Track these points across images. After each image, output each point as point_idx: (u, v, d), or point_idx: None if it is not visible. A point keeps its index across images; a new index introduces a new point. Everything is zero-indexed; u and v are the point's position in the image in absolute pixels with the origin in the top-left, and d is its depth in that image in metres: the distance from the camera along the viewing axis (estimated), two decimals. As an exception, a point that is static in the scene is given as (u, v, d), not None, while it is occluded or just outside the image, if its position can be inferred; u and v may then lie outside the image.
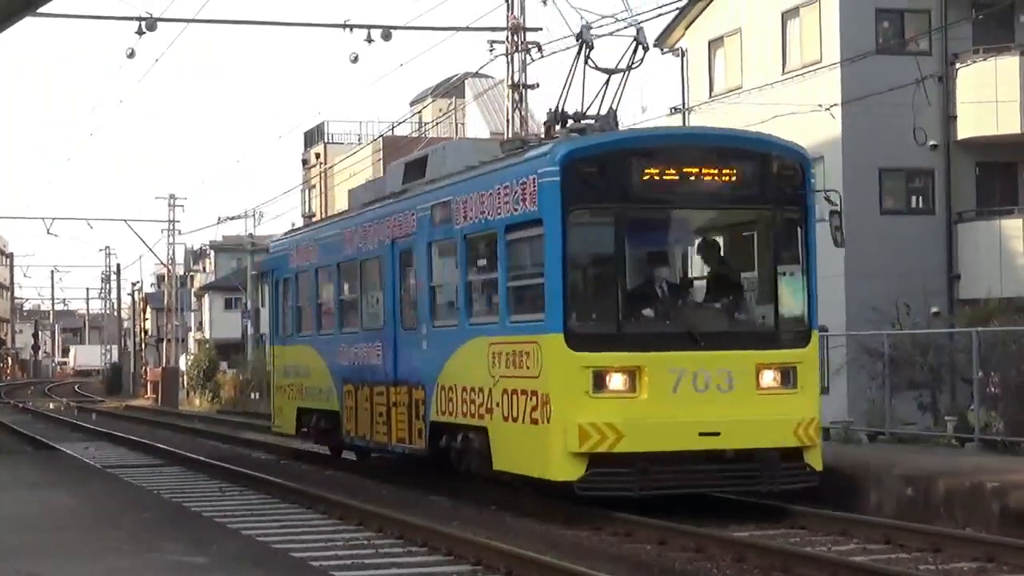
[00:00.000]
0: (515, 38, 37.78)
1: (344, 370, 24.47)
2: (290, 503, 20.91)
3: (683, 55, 42.07)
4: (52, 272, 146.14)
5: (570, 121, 19.57)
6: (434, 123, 65.59)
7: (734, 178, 18.04)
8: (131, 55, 35.24)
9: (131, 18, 33.85)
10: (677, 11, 38.18)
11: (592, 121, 19.32)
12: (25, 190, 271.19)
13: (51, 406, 68.13)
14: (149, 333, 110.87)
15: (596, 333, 17.46)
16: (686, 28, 41.85)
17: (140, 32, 33.62)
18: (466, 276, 19.59)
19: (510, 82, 38.07)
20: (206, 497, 22.25)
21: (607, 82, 19.48)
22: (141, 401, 79.61)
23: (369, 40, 35.07)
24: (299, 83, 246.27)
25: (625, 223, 17.61)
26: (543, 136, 19.87)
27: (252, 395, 66.97)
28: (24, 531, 16.96)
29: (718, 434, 17.20)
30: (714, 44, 41.05)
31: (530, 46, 37.78)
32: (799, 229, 18.18)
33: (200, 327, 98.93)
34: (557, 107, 19.55)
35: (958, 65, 36.07)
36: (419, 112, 71.79)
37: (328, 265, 25.63)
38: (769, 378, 17.64)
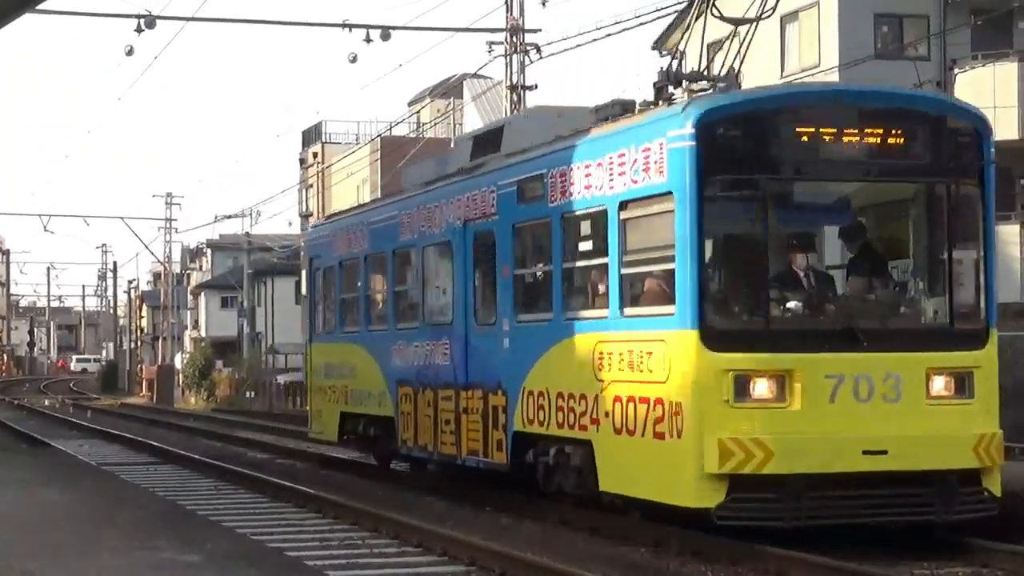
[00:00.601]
0: (514, 39, 37.65)
1: (400, 371, 21.58)
2: (284, 502, 20.57)
3: (682, 58, 41.96)
4: (48, 269, 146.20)
5: (684, 84, 16.59)
6: (432, 124, 65.53)
7: (904, 144, 15.01)
8: (130, 53, 35.08)
9: (130, 16, 33.71)
10: (676, 14, 38.21)
11: (709, 83, 16.50)
12: (22, 187, 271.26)
13: (46, 403, 68.05)
14: (145, 331, 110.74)
15: (738, 329, 14.50)
16: (684, 32, 41.78)
17: (139, 30, 33.45)
18: (562, 262, 16.73)
19: (508, 83, 38.00)
20: (200, 495, 21.86)
21: (733, 34, 17.04)
22: (136, 399, 79.43)
23: (368, 40, 34.89)
24: (298, 82, 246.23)
25: (774, 197, 14.70)
26: (653, 102, 16.78)
27: (247, 394, 66.97)
28: (17, 529, 16.85)
29: (885, 452, 14.27)
30: (712, 47, 40.96)
31: (529, 47, 37.71)
32: (977, 206, 15.26)
33: (196, 325, 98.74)
34: (670, 66, 16.87)
35: (956, 71, 35.82)
36: (417, 112, 71.74)
37: (381, 252, 22.60)
38: (940, 385, 14.69)
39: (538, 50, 37.37)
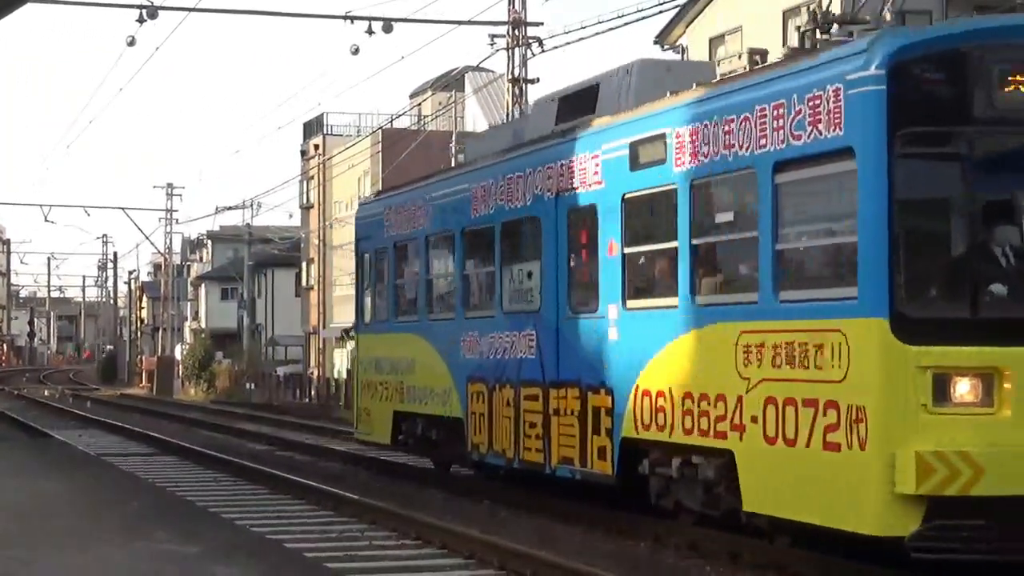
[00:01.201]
0: (516, 32, 37.53)
1: (470, 365, 18.97)
2: (284, 494, 20.46)
3: (684, 53, 42.04)
4: (49, 259, 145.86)
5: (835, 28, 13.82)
6: (433, 116, 65.44)
7: None
8: (131, 43, 34.89)
9: (132, 6, 33.47)
10: (678, 8, 38.18)
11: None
12: (23, 177, 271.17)
13: (46, 393, 68.08)
14: (145, 322, 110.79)
15: (937, 318, 11.86)
16: (687, 25, 41.74)
17: (141, 20, 33.20)
18: (691, 237, 14.00)
19: (510, 76, 37.96)
20: (200, 487, 21.81)
21: None
22: (136, 390, 79.48)
23: (370, 32, 34.62)
24: (299, 74, 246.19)
25: (980, 155, 12.08)
26: (797, 50, 14.15)
27: (247, 385, 66.98)
28: (16, 518, 16.85)
29: None
30: (715, 42, 40.92)
31: (531, 41, 37.63)
32: None
33: (196, 317, 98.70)
34: (819, 5, 14.21)
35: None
36: (419, 105, 71.61)
37: (447, 231, 19.97)
38: None
39: (540, 43, 37.35)
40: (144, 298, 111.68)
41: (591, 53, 74.93)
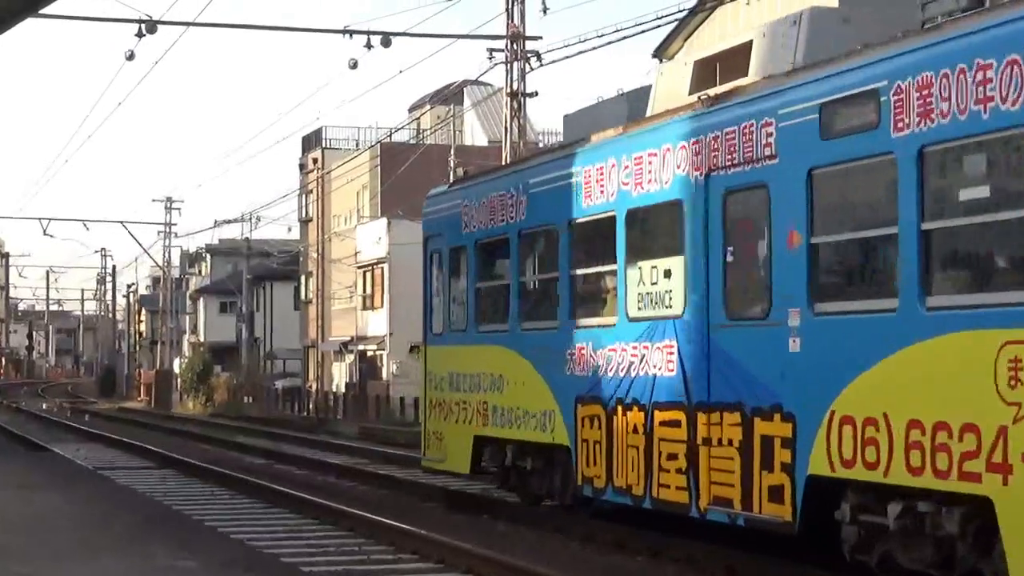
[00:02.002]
0: (514, 46, 37.53)
1: (580, 383, 16.03)
2: (281, 508, 20.28)
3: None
4: (48, 273, 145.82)
5: None
6: (432, 130, 65.51)
7: None
8: (130, 57, 34.84)
9: (131, 20, 33.48)
10: (676, 23, 38.23)
11: None
12: (22, 190, 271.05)
13: (44, 407, 68.04)
14: (143, 335, 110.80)
15: None
16: (685, 40, 41.85)
17: (140, 35, 33.21)
18: (920, 220, 11.15)
19: (509, 90, 38.01)
20: (197, 500, 21.63)
21: None
22: (134, 403, 79.45)
23: (369, 46, 34.63)
24: (298, 88, 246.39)
25: None
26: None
27: (245, 399, 66.97)
28: (14, 532, 16.83)
29: None
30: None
31: (529, 55, 37.70)
32: None
33: (194, 330, 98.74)
34: None
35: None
36: (417, 119, 71.68)
37: (548, 224, 17.04)
38: None
39: (539, 57, 37.26)
40: (143, 311, 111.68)
41: (590, 67, 74.99)
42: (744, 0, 37.30)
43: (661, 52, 41.54)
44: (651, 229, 15.31)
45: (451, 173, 52.56)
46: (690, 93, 14.96)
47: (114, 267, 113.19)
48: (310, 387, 69.71)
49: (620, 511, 16.06)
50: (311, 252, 74.38)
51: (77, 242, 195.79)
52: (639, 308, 15.11)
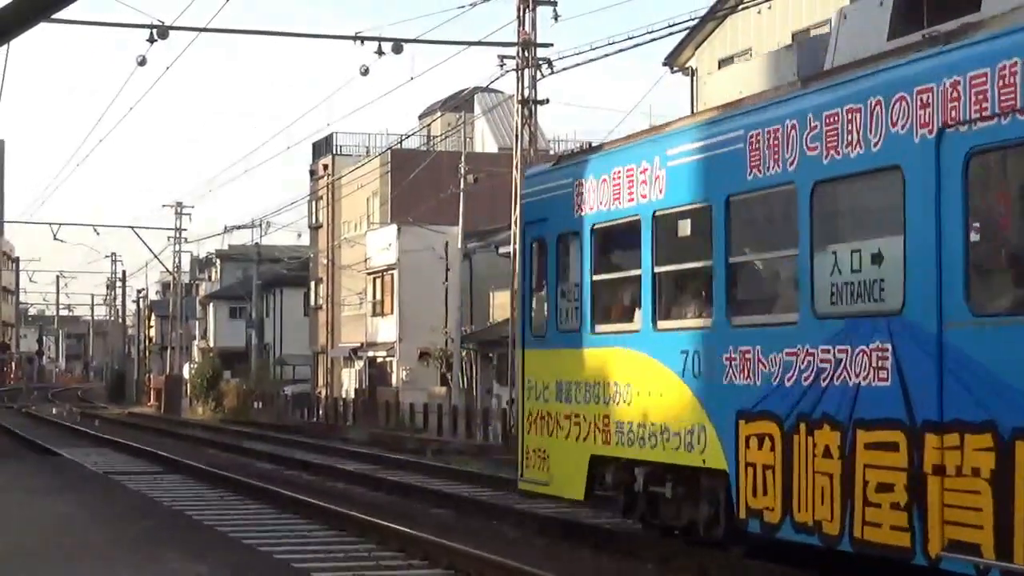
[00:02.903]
0: (526, 54, 37.55)
1: (744, 394, 13.24)
2: (291, 513, 20.21)
3: (693, 74, 42.10)
4: (58, 278, 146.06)
5: None
6: (443, 137, 65.57)
7: None
8: (142, 63, 34.94)
9: (143, 26, 33.53)
10: (687, 31, 38.26)
11: None
12: (33, 195, 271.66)
13: (54, 411, 68.18)
14: (153, 341, 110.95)
15: None
16: (696, 48, 41.84)
17: (152, 40, 33.32)
18: None
19: (520, 97, 38.04)
20: (207, 506, 21.57)
21: None
22: (144, 408, 79.61)
23: (380, 53, 34.69)
24: (309, 94, 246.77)
25: None
26: None
27: (255, 404, 67.05)
28: (24, 536, 16.86)
29: None
30: (724, 64, 41.07)
31: (540, 62, 37.76)
32: None
33: (204, 335, 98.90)
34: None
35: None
36: (428, 126, 71.76)
37: (696, 202, 14.06)
38: None
39: (550, 64, 37.28)
40: (153, 317, 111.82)
41: (601, 75, 75.01)
42: (756, 9, 37.36)
43: (672, 60, 41.57)
44: (852, 203, 12.56)
45: (461, 180, 52.56)
46: (891, 38, 12.50)
47: (124, 272, 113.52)
48: (319, 393, 69.76)
49: (786, 550, 13.37)
50: (321, 258, 74.46)
51: (88, 247, 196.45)
52: (832, 303, 12.25)
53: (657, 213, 14.64)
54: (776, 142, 12.92)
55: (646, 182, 14.84)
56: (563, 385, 16.53)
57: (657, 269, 14.72)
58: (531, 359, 17.57)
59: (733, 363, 13.48)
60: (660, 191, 14.63)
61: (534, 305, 17.63)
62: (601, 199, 15.70)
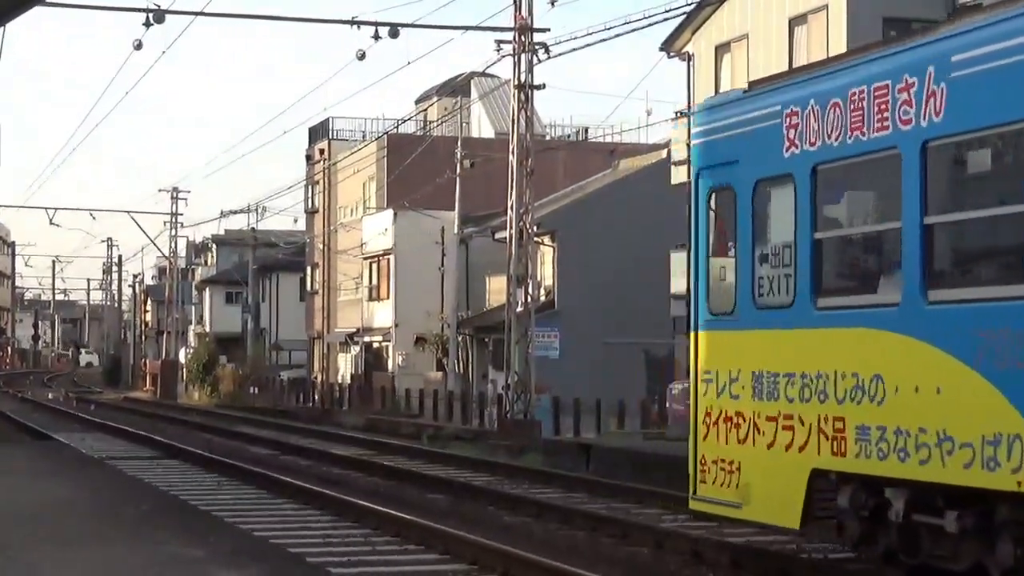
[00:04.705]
0: (522, 38, 37.51)
1: None
2: (287, 498, 20.25)
3: (690, 60, 42.06)
4: (54, 262, 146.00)
5: None
6: (439, 122, 65.51)
7: None
8: (138, 47, 34.92)
9: (139, 10, 33.44)
10: (684, 16, 38.24)
11: None
12: (29, 180, 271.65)
13: (50, 396, 68.19)
14: (149, 325, 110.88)
15: None
16: (693, 33, 41.77)
17: (148, 24, 33.22)
18: None
19: (516, 82, 38.03)
20: (203, 491, 21.55)
21: None
22: (140, 393, 79.52)
23: (376, 37, 34.64)
24: (305, 79, 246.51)
25: None
26: None
27: (251, 389, 67.08)
28: (21, 520, 16.92)
29: None
30: (721, 49, 40.85)
31: (537, 47, 37.74)
32: None
33: (200, 321, 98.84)
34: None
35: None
36: (424, 111, 71.70)
37: (1000, 125, 10.56)
38: None
39: (546, 49, 37.25)
40: (148, 301, 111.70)
41: (597, 60, 74.99)
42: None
43: (669, 45, 41.57)
44: None
45: (458, 165, 52.54)
46: None
47: (120, 257, 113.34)
48: (315, 378, 69.81)
49: None
50: (317, 243, 74.44)
51: (83, 232, 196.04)
52: None
53: (931, 143, 11.03)
54: None
55: (910, 102, 11.25)
56: (764, 377, 12.78)
57: (929, 219, 11.01)
58: (711, 344, 13.67)
59: None
60: (937, 112, 11.00)
61: (713, 275, 13.80)
62: (829, 130, 12.06)
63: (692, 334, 13.99)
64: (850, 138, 11.78)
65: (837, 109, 11.93)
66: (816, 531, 13.22)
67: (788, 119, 12.54)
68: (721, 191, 13.52)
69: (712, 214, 13.72)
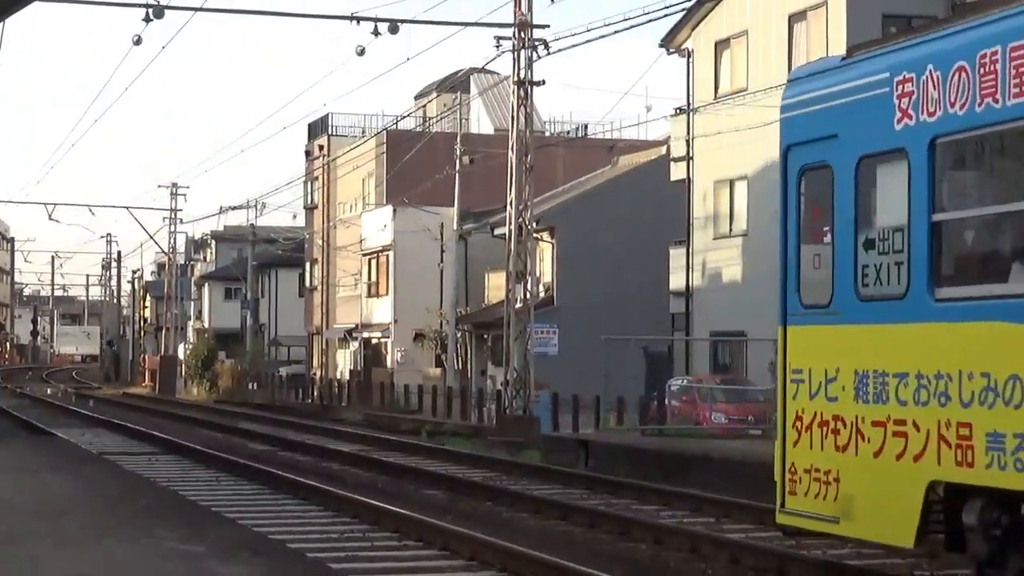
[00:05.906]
0: (522, 35, 37.56)
1: None
2: (286, 494, 20.33)
3: (689, 56, 42.10)
4: (53, 258, 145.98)
5: None
6: (438, 118, 65.49)
7: None
8: (138, 42, 34.88)
9: (138, 5, 33.48)
10: (684, 12, 38.24)
11: None
12: (28, 175, 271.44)
13: (48, 392, 68.19)
14: (148, 321, 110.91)
15: None
16: (692, 29, 41.81)
17: (147, 19, 33.20)
18: None
19: (516, 79, 38.04)
20: (202, 486, 21.68)
21: None
22: (139, 389, 79.52)
23: (376, 33, 34.68)
24: (305, 75, 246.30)
25: None
26: None
27: (250, 385, 67.10)
28: (21, 516, 16.85)
29: None
30: (721, 46, 40.99)
31: (536, 43, 37.74)
32: None
33: (199, 316, 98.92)
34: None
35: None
36: (424, 107, 71.69)
37: None
38: None
39: (546, 46, 37.22)
40: (148, 297, 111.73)
41: (597, 56, 75.00)
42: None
43: (668, 41, 41.60)
44: None
45: (457, 161, 52.53)
46: None
47: (119, 253, 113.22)
48: (314, 374, 69.82)
49: None
50: (316, 239, 74.45)
51: (83, 227, 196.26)
52: None
53: None
54: None
55: None
56: (869, 377, 11.24)
57: None
58: (803, 339, 12.10)
59: None
60: None
61: (804, 264, 12.28)
62: (953, 98, 10.50)
63: (780, 329, 12.30)
64: (980, 106, 10.23)
65: (963, 74, 10.41)
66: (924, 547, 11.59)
67: (899, 87, 11.05)
68: (815, 170, 11.95)
69: (804, 196, 12.22)
